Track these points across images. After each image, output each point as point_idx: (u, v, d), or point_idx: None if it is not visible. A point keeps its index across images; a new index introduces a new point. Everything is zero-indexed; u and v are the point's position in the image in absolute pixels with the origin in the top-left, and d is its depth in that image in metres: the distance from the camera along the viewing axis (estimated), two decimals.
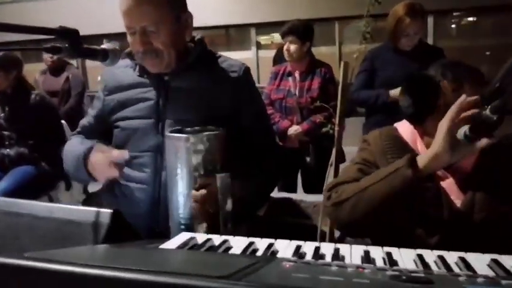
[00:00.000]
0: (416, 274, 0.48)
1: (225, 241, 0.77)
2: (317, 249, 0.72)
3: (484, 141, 0.92)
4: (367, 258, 0.68)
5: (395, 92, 2.35)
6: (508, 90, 0.80)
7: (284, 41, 2.73)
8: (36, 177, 2.38)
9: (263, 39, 7.55)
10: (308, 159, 2.77)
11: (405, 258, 0.68)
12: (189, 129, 1.14)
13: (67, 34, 0.98)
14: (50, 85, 3.87)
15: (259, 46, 7.35)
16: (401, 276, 0.45)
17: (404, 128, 1.20)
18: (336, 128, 2.10)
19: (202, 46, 1.33)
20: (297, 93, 2.73)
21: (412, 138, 1.16)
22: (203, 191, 1.04)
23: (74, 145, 1.34)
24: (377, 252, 0.71)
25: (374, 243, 1.14)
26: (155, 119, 1.25)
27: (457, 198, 1.05)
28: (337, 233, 2.31)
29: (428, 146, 1.09)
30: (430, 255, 0.68)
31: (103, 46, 1.12)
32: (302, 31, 2.69)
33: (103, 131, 1.38)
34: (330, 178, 2.10)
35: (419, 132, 1.14)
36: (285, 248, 0.75)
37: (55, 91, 3.81)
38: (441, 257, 0.66)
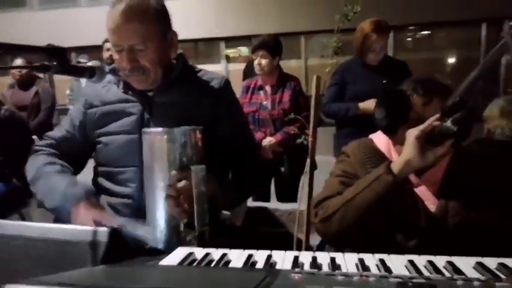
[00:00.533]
0: (417, 280, 0.52)
1: (223, 255, 0.79)
2: (314, 259, 0.75)
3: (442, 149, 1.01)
4: (362, 265, 0.72)
5: (364, 105, 2.46)
6: (468, 104, 0.88)
7: (255, 55, 2.79)
8: (7, 194, 2.31)
9: (230, 52, 7.62)
10: (282, 169, 2.82)
11: (397, 264, 0.72)
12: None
13: (55, 52, 0.98)
14: (19, 99, 3.77)
15: (228, 59, 7.42)
16: (407, 283, 0.49)
17: (380, 139, 1.27)
18: (310, 139, 2.16)
19: (183, 61, 1.36)
20: (269, 106, 2.80)
21: (387, 147, 1.24)
22: (177, 185, 1.03)
23: (56, 176, 1.26)
24: (370, 260, 0.75)
25: (355, 251, 1.19)
26: (139, 134, 1.24)
27: (432, 204, 1.12)
28: (313, 241, 2.37)
29: (400, 153, 1.17)
30: (420, 260, 0.73)
31: (89, 63, 1.13)
32: (272, 46, 2.77)
33: (78, 145, 1.37)
34: (304, 187, 2.16)
35: (393, 142, 1.22)
36: (282, 259, 0.78)
37: (24, 105, 3.71)
38: (430, 262, 0.71)
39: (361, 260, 0.75)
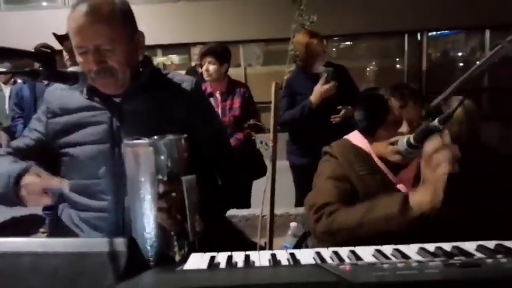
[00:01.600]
0: (458, 260, 0.58)
1: (247, 256, 0.80)
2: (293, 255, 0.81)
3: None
4: (383, 254, 0.78)
5: (314, 97, 2.58)
6: (452, 106, 0.99)
7: (203, 61, 2.81)
8: None
9: (161, 60, 7.51)
10: None
11: (411, 252, 0.79)
12: (147, 138, 1.08)
13: (43, 57, 0.92)
14: None
15: (164, 67, 7.29)
16: (454, 263, 0.54)
17: (357, 139, 1.35)
18: (271, 144, 2.22)
19: (151, 64, 1.31)
20: (219, 112, 2.80)
21: (365, 146, 1.32)
22: (168, 197, 1.00)
23: (3, 163, 1.19)
24: (387, 249, 0.81)
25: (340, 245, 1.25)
26: (110, 143, 1.19)
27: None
28: (276, 246, 2.41)
29: (377, 152, 1.27)
30: (430, 247, 0.80)
31: (70, 69, 1.07)
32: (220, 53, 2.80)
33: (42, 156, 1.26)
34: (267, 192, 2.20)
35: (369, 141, 1.31)
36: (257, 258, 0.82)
37: None
38: (439, 248, 0.78)
39: (379, 251, 0.80)
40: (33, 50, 0.91)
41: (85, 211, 1.20)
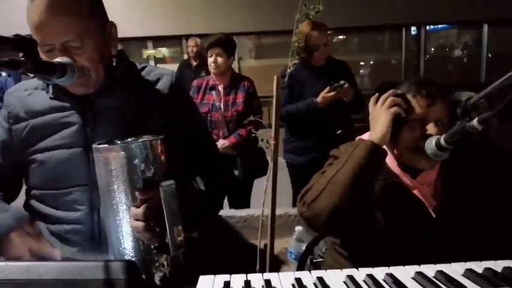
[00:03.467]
0: None
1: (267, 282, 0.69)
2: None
3: None
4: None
5: (321, 98, 2.47)
6: (496, 105, 0.87)
7: (210, 53, 2.66)
8: None
9: (152, 53, 7.32)
10: (236, 172, 2.72)
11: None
12: (119, 141, 0.97)
13: (25, 45, 0.79)
14: None
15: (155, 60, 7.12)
16: None
17: None
18: (272, 142, 2.10)
19: (126, 58, 1.17)
20: (222, 107, 2.68)
21: None
22: (144, 207, 0.88)
23: None
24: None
25: (359, 257, 1.15)
26: (83, 146, 1.06)
27: (430, 206, 1.12)
28: (277, 249, 2.31)
29: (403, 159, 1.15)
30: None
31: (57, 59, 0.93)
32: (227, 44, 2.67)
33: (9, 168, 1.14)
34: (268, 191, 2.09)
35: (390, 147, 1.18)
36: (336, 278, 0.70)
37: None
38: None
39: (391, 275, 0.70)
40: (12, 36, 0.77)
41: (56, 224, 1.07)
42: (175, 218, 0.86)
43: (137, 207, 0.87)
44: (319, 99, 2.48)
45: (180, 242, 0.87)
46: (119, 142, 0.94)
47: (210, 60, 2.64)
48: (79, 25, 0.96)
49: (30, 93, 1.12)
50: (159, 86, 1.14)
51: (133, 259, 0.90)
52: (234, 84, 2.72)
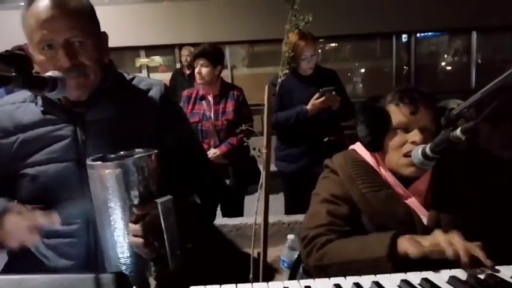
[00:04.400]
0: None
1: None
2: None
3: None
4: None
5: (310, 106, 2.51)
6: (480, 115, 0.89)
7: (195, 63, 2.69)
8: None
9: (144, 61, 7.32)
10: (228, 181, 2.74)
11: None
12: (113, 155, 0.97)
13: (16, 60, 0.80)
14: None
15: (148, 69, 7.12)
16: None
17: (362, 150, 1.26)
18: (264, 150, 2.12)
19: (115, 69, 1.18)
20: (212, 116, 2.71)
21: (369, 159, 1.23)
22: (143, 223, 0.88)
23: None
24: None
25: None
26: (75, 160, 1.06)
27: (422, 215, 1.14)
28: (270, 257, 2.31)
29: (389, 166, 1.17)
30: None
31: (48, 73, 0.95)
32: (214, 54, 2.69)
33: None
34: (261, 200, 2.10)
35: (379, 156, 1.21)
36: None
37: None
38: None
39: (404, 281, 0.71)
40: (3, 52, 0.78)
41: (52, 237, 1.07)
42: (173, 232, 0.87)
43: (135, 223, 0.87)
44: (309, 106, 2.51)
45: (179, 255, 0.88)
46: (112, 156, 0.94)
47: (196, 71, 2.67)
48: (82, 22, 1.00)
49: (18, 106, 1.12)
50: (149, 96, 1.15)
51: (131, 274, 0.91)
52: (223, 94, 2.74)
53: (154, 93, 1.16)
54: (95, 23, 1.08)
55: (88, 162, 0.91)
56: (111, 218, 0.89)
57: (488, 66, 7.31)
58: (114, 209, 0.88)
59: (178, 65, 6.22)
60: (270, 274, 2.43)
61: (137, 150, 0.95)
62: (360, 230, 1.14)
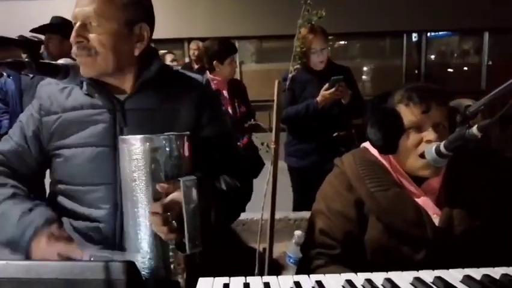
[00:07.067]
0: None
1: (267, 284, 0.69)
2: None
3: None
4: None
5: (321, 98, 2.49)
6: (497, 112, 0.87)
7: (228, 60, 2.71)
8: None
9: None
10: None
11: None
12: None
13: (28, 46, 0.80)
14: None
15: None
16: None
17: (373, 148, 1.23)
18: (273, 146, 2.11)
19: (159, 59, 1.18)
20: (230, 110, 2.72)
21: (383, 157, 1.20)
22: (164, 201, 0.88)
23: (7, 203, 1.06)
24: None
25: (359, 264, 1.15)
26: (110, 145, 1.07)
27: (434, 214, 1.11)
28: (275, 252, 2.31)
29: (405, 168, 1.14)
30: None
31: (60, 61, 0.95)
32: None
33: (32, 160, 1.14)
34: (268, 195, 2.09)
35: (392, 157, 1.18)
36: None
37: None
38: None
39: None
40: (17, 38, 0.78)
41: (79, 220, 1.08)
42: (194, 215, 0.86)
43: (157, 201, 0.88)
44: (319, 98, 2.49)
45: (197, 241, 0.87)
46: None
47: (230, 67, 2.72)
48: (103, 7, 1.01)
49: (63, 87, 1.13)
50: (190, 90, 1.16)
51: (149, 254, 0.91)
52: (233, 87, 2.80)
53: (195, 87, 1.18)
54: (128, 13, 1.06)
55: (120, 136, 0.93)
56: (134, 193, 0.89)
57: (499, 68, 7.23)
58: (138, 185, 0.89)
59: (186, 59, 6.21)
60: (275, 270, 2.43)
61: (171, 133, 0.94)
62: (356, 248, 1.13)
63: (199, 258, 1.00)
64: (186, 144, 0.94)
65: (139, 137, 0.89)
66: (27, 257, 0.98)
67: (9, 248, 1.02)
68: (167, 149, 0.89)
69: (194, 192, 0.87)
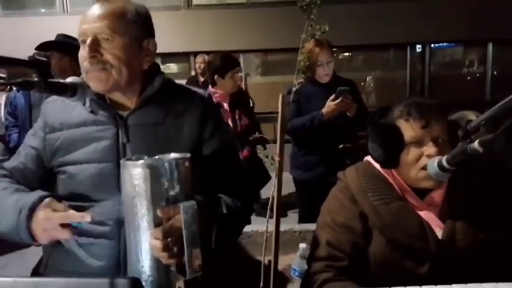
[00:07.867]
0: None
1: None
2: None
3: None
4: None
5: (327, 109, 2.49)
6: (499, 127, 0.87)
7: (229, 74, 2.75)
8: None
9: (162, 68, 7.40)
10: None
11: None
12: (146, 157, 0.98)
13: (38, 66, 0.82)
14: None
15: None
16: None
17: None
18: (277, 158, 2.11)
19: (162, 74, 1.19)
20: (230, 123, 2.73)
21: (385, 170, 1.21)
22: (164, 226, 0.89)
23: (8, 193, 1.08)
24: None
25: (363, 278, 1.15)
26: (114, 162, 1.07)
27: (438, 227, 1.11)
28: (281, 265, 2.30)
29: (406, 181, 1.15)
30: None
31: (69, 79, 0.97)
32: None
33: (40, 175, 1.16)
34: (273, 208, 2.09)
35: (395, 171, 1.18)
36: None
37: None
38: None
39: None
40: (27, 59, 0.80)
41: (84, 236, 1.08)
42: (195, 240, 0.87)
43: (158, 226, 0.88)
44: (325, 109, 2.49)
45: (198, 266, 0.87)
46: (146, 158, 0.94)
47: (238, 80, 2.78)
48: (113, 22, 1.04)
49: (67, 104, 1.15)
50: (192, 106, 1.16)
51: (150, 278, 0.91)
52: (235, 99, 2.81)
53: (198, 101, 1.18)
54: (137, 28, 1.09)
55: (122, 161, 0.92)
56: (135, 218, 0.89)
57: (503, 79, 7.22)
58: (139, 208, 0.89)
59: (192, 73, 6.28)
60: (281, 282, 2.41)
61: (172, 154, 0.94)
62: (362, 260, 1.14)
63: (201, 281, 0.99)
64: (187, 166, 0.93)
65: (139, 162, 0.89)
66: (31, 237, 0.99)
67: (12, 237, 1.03)
68: (168, 173, 0.89)
69: (194, 217, 0.87)
